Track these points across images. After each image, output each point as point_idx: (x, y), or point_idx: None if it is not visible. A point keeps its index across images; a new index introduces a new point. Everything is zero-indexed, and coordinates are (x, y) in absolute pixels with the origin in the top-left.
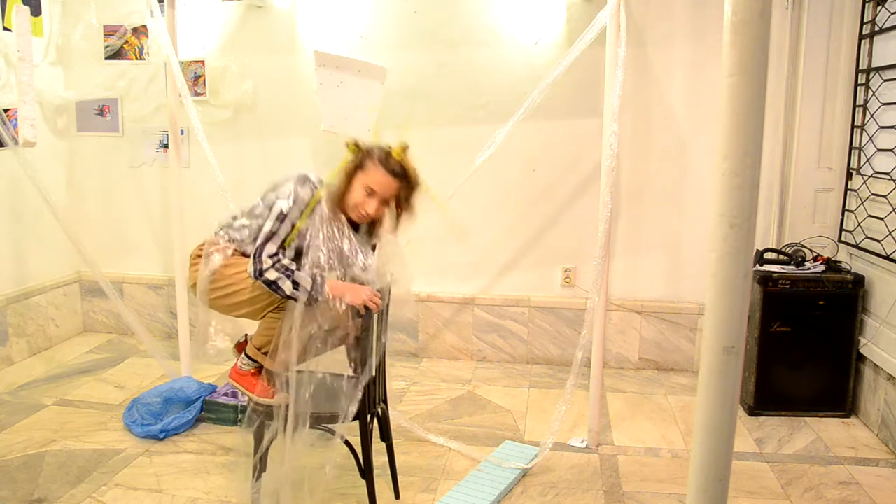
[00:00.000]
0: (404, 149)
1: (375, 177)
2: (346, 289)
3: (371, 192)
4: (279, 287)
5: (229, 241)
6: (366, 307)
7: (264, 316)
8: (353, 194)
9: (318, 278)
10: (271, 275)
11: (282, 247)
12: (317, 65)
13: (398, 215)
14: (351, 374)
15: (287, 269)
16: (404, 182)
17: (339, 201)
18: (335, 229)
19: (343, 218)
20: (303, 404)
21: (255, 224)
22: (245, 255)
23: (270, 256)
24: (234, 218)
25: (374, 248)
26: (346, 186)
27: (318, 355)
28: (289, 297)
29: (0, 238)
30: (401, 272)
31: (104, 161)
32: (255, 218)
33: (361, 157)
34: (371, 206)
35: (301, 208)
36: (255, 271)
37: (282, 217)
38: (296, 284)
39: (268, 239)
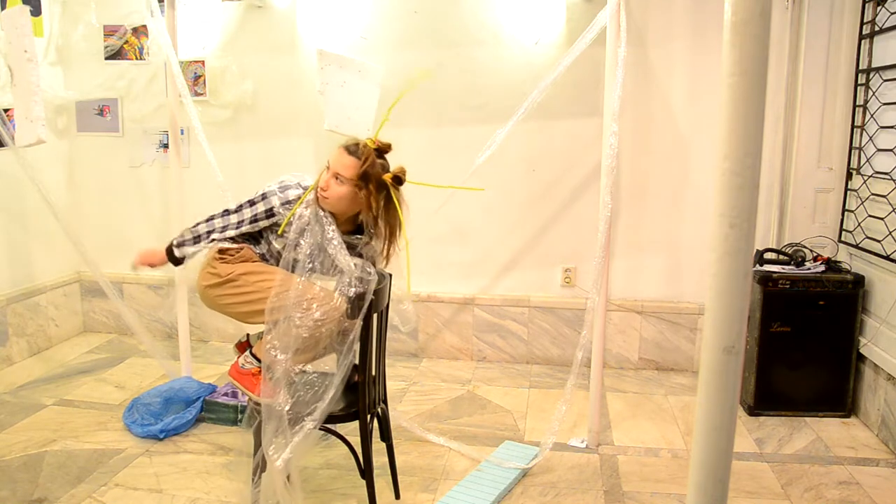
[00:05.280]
0: (373, 141)
1: (334, 156)
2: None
3: (334, 175)
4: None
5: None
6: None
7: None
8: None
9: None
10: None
11: (235, 239)
12: (321, 64)
13: (374, 222)
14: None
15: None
16: (356, 159)
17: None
18: (322, 225)
19: (329, 216)
20: (303, 404)
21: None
22: (264, 259)
23: (205, 232)
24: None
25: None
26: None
27: (326, 355)
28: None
29: (0, 238)
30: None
31: (104, 161)
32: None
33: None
34: (323, 179)
35: (282, 205)
36: (176, 241)
37: (249, 205)
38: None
39: (224, 227)
